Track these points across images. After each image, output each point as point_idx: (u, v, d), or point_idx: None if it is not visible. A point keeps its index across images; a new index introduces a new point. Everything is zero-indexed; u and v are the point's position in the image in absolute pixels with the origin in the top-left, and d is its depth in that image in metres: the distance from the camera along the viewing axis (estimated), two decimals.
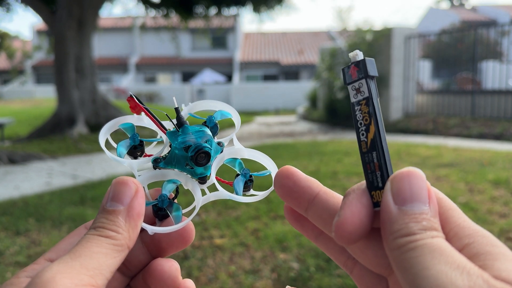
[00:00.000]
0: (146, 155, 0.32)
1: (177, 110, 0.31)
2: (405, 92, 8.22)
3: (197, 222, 2.66)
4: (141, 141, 0.32)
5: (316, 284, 1.82)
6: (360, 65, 0.25)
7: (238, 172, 0.32)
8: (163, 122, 0.32)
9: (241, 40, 24.25)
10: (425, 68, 10.55)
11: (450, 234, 0.22)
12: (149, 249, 0.30)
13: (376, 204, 0.25)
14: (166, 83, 22.64)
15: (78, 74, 8.02)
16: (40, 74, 23.40)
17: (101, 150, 6.32)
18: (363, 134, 0.26)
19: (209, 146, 0.29)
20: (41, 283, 0.21)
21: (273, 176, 0.33)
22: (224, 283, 1.88)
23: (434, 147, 5.18)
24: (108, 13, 29.64)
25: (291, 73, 22.53)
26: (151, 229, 0.28)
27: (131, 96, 0.31)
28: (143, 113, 0.32)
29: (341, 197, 0.27)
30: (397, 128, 7.54)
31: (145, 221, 0.29)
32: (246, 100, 17.96)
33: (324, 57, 9.90)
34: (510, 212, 2.55)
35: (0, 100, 17.60)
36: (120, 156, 0.31)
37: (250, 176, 0.32)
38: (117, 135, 0.32)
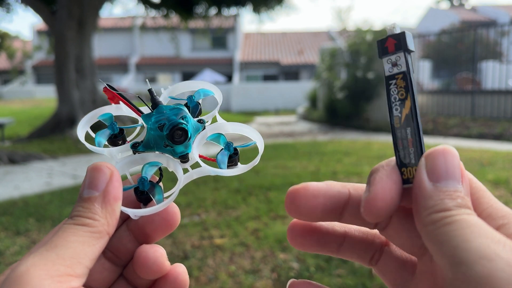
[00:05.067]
0: (128, 143, 0.31)
1: (150, 91, 0.30)
2: None
3: (197, 222, 2.66)
4: (121, 129, 0.31)
5: None
6: (400, 38, 0.25)
7: (222, 147, 0.31)
8: (142, 108, 0.31)
9: (241, 40, 24.25)
10: (425, 68, 10.54)
11: (484, 215, 0.22)
12: (135, 236, 0.29)
13: (406, 181, 0.24)
14: (166, 83, 22.63)
15: (78, 74, 8.02)
16: (40, 74, 23.40)
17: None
18: (397, 109, 0.25)
19: (185, 122, 0.28)
20: (15, 277, 0.21)
21: (258, 146, 0.31)
22: (224, 283, 1.88)
23: (434, 147, 5.17)
24: (108, 13, 29.67)
25: (291, 73, 22.53)
26: (132, 212, 0.28)
27: (105, 87, 0.30)
28: (121, 102, 0.31)
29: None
30: None
31: (130, 207, 0.28)
32: (246, 100, 17.96)
33: (324, 57, 9.90)
34: None
35: (0, 100, 17.60)
36: (98, 146, 0.30)
37: (235, 149, 0.31)
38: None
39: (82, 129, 0.31)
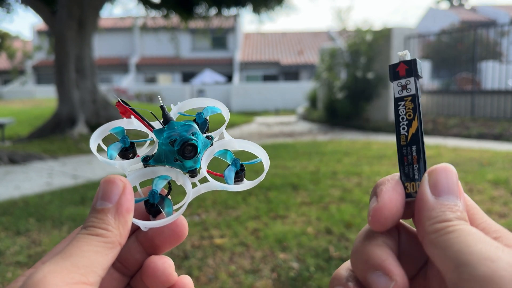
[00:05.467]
0: (138, 156, 0.32)
1: (162, 107, 0.31)
2: None
3: (197, 222, 2.66)
4: (132, 143, 0.32)
5: (316, 284, 1.83)
6: (411, 64, 0.27)
7: (229, 163, 0.32)
8: (153, 123, 0.32)
9: (241, 40, 24.25)
10: (424, 68, 10.55)
11: (479, 229, 0.24)
12: (144, 247, 0.30)
13: (408, 195, 0.26)
14: (167, 83, 22.63)
15: (79, 74, 8.03)
16: (41, 74, 23.40)
17: (101, 150, 6.32)
18: (404, 128, 0.27)
19: (195, 138, 0.29)
20: (32, 284, 0.22)
21: (264, 163, 0.33)
22: (224, 283, 1.88)
23: (434, 147, 5.18)
24: (109, 14, 29.67)
25: (291, 73, 22.53)
26: (143, 224, 0.29)
27: (119, 101, 0.32)
28: (132, 117, 0.32)
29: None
30: None
31: (139, 218, 0.29)
32: (246, 100, 17.96)
33: (324, 57, 9.90)
34: (509, 212, 2.56)
35: (1, 100, 17.60)
36: (110, 158, 0.31)
37: (241, 165, 0.32)
38: (111, 141, 0.32)
39: (94, 142, 0.32)
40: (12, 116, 10.16)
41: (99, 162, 5.46)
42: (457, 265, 0.21)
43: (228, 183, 0.31)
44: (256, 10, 9.54)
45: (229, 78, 22.13)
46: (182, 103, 0.34)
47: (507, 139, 6.01)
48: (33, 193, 3.70)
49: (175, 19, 10.42)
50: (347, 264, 0.28)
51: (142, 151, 0.33)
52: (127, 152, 0.32)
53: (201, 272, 1.98)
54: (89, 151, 6.31)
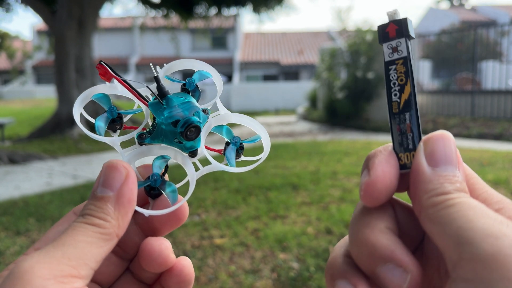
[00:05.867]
0: (125, 127, 0.30)
1: (157, 79, 0.29)
2: None
3: (197, 222, 2.66)
4: (119, 114, 0.30)
5: (316, 284, 1.83)
6: (402, 24, 0.25)
7: (226, 139, 0.31)
8: (140, 90, 0.30)
9: (241, 40, 24.25)
10: (425, 68, 10.54)
11: (479, 200, 0.22)
12: (142, 230, 0.29)
13: (402, 166, 0.25)
14: (167, 83, 22.56)
15: (78, 74, 8.02)
16: (40, 74, 23.40)
17: (101, 150, 6.32)
18: (395, 95, 0.25)
19: (199, 120, 0.28)
20: (18, 273, 0.21)
21: (263, 142, 0.31)
22: (224, 283, 1.88)
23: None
24: (108, 13, 29.66)
25: (291, 73, 22.53)
26: (147, 213, 0.27)
27: (100, 63, 0.29)
28: (115, 81, 0.30)
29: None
30: None
31: (138, 200, 0.27)
32: (246, 100, 17.95)
33: (324, 57, 9.90)
34: None
35: (1, 100, 17.60)
36: (98, 130, 0.29)
37: (241, 143, 0.31)
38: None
39: (77, 111, 0.30)
40: (12, 116, 10.15)
41: (99, 162, 5.45)
42: (458, 243, 0.19)
43: (230, 164, 0.30)
44: (256, 10, 9.54)
45: (229, 78, 22.13)
46: (169, 65, 0.32)
47: (507, 139, 6.01)
48: (33, 193, 3.70)
49: (175, 19, 10.42)
50: (341, 250, 0.26)
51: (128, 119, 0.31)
52: (114, 124, 0.30)
53: (201, 272, 1.98)
54: (89, 151, 6.30)
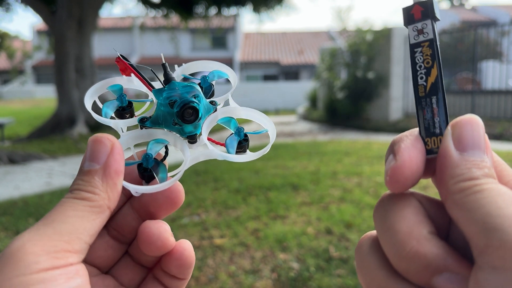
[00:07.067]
0: (136, 117, 0.30)
1: (164, 66, 0.29)
2: (405, 92, 8.23)
3: (197, 222, 2.66)
4: (130, 102, 0.30)
5: (316, 284, 1.83)
6: (428, 5, 0.24)
7: (231, 131, 0.30)
8: (154, 84, 0.30)
9: (241, 40, 24.24)
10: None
11: (508, 186, 0.22)
12: (139, 214, 0.29)
13: (429, 151, 0.24)
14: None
15: (78, 74, 8.02)
16: (40, 74, 23.40)
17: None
18: (422, 78, 0.25)
19: (197, 102, 0.27)
20: (10, 252, 0.20)
21: (270, 134, 0.30)
22: (224, 283, 1.88)
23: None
24: (108, 13, 29.64)
25: (291, 73, 22.53)
26: (133, 188, 0.27)
27: (119, 57, 0.29)
28: (133, 75, 0.30)
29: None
30: (397, 128, 7.55)
31: (133, 184, 0.27)
32: (246, 100, 17.95)
33: (324, 57, 9.90)
34: None
35: (0, 100, 17.60)
36: (105, 116, 0.29)
37: (245, 135, 0.30)
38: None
39: (90, 99, 0.30)
40: (12, 116, 10.15)
41: None
42: (486, 229, 0.19)
43: (229, 153, 0.29)
44: (256, 9, 9.54)
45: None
46: (187, 64, 0.32)
47: (507, 139, 6.01)
48: (33, 193, 3.70)
49: (175, 18, 10.42)
50: (376, 263, 0.23)
51: (141, 113, 0.30)
52: (124, 112, 0.29)
53: (201, 272, 1.98)
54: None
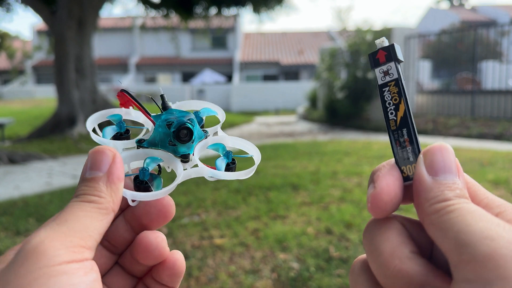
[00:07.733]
0: (133, 139, 0.33)
1: (162, 96, 0.32)
2: None
3: (197, 222, 2.66)
4: (127, 129, 0.32)
5: (316, 284, 1.83)
6: (390, 50, 0.27)
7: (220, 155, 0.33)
8: (152, 115, 0.33)
9: (241, 40, 24.24)
10: (425, 68, 10.55)
11: (481, 205, 0.24)
12: (131, 225, 0.30)
13: (406, 178, 0.26)
14: (166, 83, 22.63)
15: (78, 74, 8.02)
16: (40, 74, 23.40)
17: None
18: (392, 113, 0.27)
19: (192, 124, 0.30)
20: (30, 248, 0.21)
21: (255, 159, 0.33)
22: (224, 283, 1.88)
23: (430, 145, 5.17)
24: (108, 13, 29.66)
25: (291, 73, 22.53)
26: (131, 194, 0.28)
27: (122, 91, 0.32)
28: (130, 107, 0.33)
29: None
30: None
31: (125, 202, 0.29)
32: (246, 100, 17.96)
33: (324, 57, 9.90)
34: None
35: (0, 100, 17.60)
36: (104, 137, 0.31)
37: (233, 158, 0.33)
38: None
39: (91, 124, 0.32)
40: (12, 116, 10.15)
41: None
42: (458, 246, 0.21)
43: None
44: (256, 9, 9.54)
45: (229, 78, 22.13)
46: (181, 102, 0.35)
47: (507, 139, 6.01)
48: (33, 193, 3.70)
49: (175, 19, 10.42)
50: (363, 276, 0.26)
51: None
52: (121, 137, 0.32)
53: (201, 272, 1.98)
54: (89, 151, 6.30)
